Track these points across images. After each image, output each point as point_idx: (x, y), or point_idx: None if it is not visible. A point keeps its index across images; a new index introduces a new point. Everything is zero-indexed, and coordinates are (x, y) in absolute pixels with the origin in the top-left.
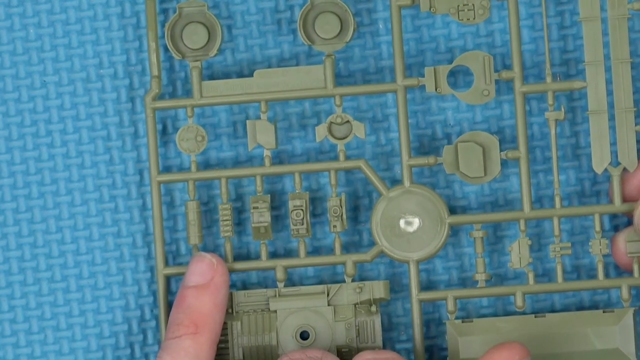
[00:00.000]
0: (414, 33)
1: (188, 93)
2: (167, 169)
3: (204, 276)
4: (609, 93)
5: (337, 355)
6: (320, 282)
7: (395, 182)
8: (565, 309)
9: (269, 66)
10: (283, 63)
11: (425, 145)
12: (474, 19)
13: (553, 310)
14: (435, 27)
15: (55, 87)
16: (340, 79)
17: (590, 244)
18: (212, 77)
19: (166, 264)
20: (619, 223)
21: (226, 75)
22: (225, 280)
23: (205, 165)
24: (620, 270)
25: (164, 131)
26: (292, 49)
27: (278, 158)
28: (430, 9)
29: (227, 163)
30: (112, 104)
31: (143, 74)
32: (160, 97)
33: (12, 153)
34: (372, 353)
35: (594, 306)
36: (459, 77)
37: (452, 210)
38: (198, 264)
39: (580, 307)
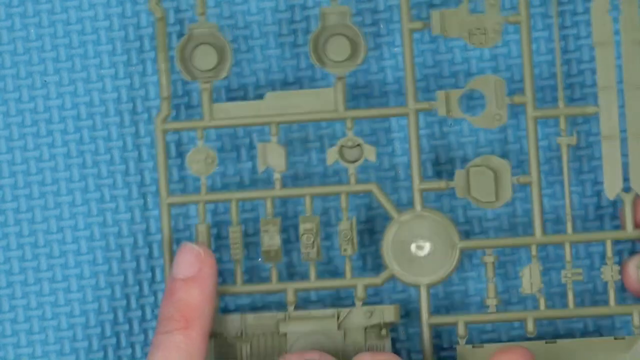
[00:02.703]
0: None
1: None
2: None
3: (192, 267)
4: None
5: None
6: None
7: (400, 186)
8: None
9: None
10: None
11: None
12: (486, 42)
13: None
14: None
15: (56, 87)
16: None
17: (601, 270)
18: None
19: (165, 265)
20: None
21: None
22: (213, 272)
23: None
24: (626, 289)
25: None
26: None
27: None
28: (442, 33)
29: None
30: (113, 104)
31: (144, 74)
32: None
33: (13, 153)
34: (370, 355)
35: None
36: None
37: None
38: (185, 255)
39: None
